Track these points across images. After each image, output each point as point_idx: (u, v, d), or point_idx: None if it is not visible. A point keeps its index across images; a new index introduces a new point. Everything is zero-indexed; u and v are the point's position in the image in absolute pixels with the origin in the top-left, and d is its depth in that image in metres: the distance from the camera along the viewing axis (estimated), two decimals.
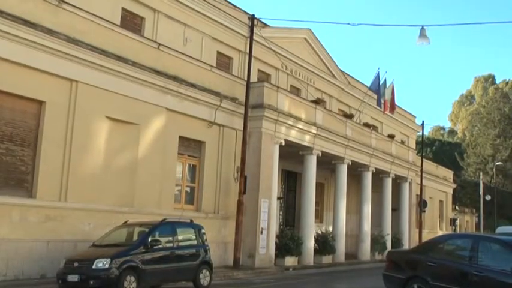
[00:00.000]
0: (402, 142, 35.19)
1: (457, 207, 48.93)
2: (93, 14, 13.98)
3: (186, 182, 17.16)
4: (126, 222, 12.84)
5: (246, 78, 18.23)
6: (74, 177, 13.15)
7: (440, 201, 40.08)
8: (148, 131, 15.28)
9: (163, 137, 15.67)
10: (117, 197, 14.25)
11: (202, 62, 18.02)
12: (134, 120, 14.85)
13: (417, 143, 42.95)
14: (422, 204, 32.95)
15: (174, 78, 15.89)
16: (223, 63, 22.19)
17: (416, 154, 34.72)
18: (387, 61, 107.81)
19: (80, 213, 13.22)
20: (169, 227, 12.40)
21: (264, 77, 23.96)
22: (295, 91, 25.89)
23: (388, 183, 28.37)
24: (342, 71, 30.05)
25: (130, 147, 14.78)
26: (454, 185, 43.20)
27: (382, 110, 28.06)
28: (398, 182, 30.12)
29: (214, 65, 20.11)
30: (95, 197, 13.62)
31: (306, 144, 20.86)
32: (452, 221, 43.47)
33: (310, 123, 20.97)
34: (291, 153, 21.31)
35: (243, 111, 17.78)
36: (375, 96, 27.48)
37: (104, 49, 13.83)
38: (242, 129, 17.61)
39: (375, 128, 31.76)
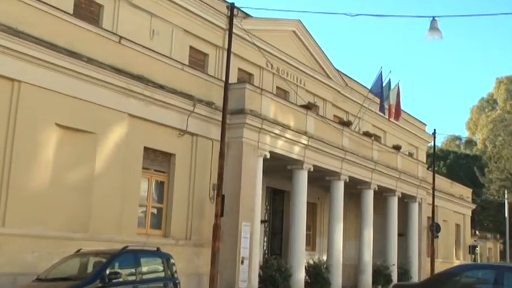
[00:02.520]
0: (410, 154, 35.57)
1: (477, 232, 48.87)
2: (39, 0, 13.98)
3: (152, 202, 17.17)
4: (78, 251, 12.77)
5: (224, 79, 18.34)
6: (14, 196, 13.07)
7: (457, 225, 40.47)
8: (107, 141, 15.29)
9: (124, 148, 15.70)
10: (68, 221, 14.20)
11: (172, 59, 18.13)
12: (90, 129, 14.87)
13: (428, 155, 43.48)
14: (434, 229, 33.20)
15: (139, 78, 15.96)
16: (197, 60, 22.28)
17: (427, 169, 35.15)
18: (391, 59, 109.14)
19: (21, 240, 13.12)
20: (131, 256, 12.36)
21: (245, 78, 24.11)
22: (282, 94, 26.04)
23: (394, 204, 28.66)
24: (338, 70, 30.37)
25: (85, 161, 14.77)
26: (473, 206, 43.56)
27: (386, 116, 28.38)
28: (405, 201, 30.44)
29: (187, 63, 20.20)
30: (41, 220, 13.54)
31: (295, 157, 21.01)
32: (472, 249, 43.62)
33: (301, 132, 21.14)
34: (278, 167, 21.37)
35: (220, 118, 17.87)
36: (377, 100, 27.79)
37: (53, 43, 13.84)
38: (219, 139, 17.68)
39: (377, 137, 32.03)
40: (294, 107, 21.56)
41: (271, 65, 25.31)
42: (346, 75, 31.67)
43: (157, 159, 17.25)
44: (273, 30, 25.61)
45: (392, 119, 29.06)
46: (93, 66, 14.70)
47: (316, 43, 28.34)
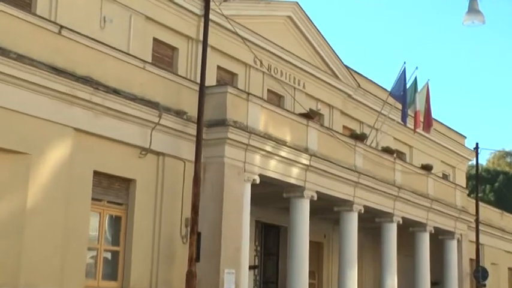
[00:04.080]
0: (445, 176, 35.69)
1: None
2: None
3: (105, 244, 17.13)
4: None
5: (198, 81, 18.40)
6: None
7: (510, 270, 40.45)
8: (44, 164, 15.25)
9: (68, 173, 15.66)
10: None
11: (130, 55, 18.19)
12: (21, 148, 14.83)
13: (469, 177, 43.62)
14: (480, 275, 33.21)
15: (86, 80, 15.97)
16: (164, 56, 22.42)
17: (469, 195, 35.21)
18: (417, 52, 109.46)
19: None
20: None
21: (227, 79, 24.30)
22: (275, 99, 26.15)
23: (424, 242, 28.73)
24: (347, 67, 30.57)
25: (15, 189, 14.71)
26: None
27: (412, 127, 28.49)
28: (440, 239, 30.57)
29: (149, 60, 20.25)
30: None
31: (293, 181, 21.07)
32: None
33: (300, 148, 21.22)
34: (271, 196, 21.44)
35: (194, 132, 17.90)
36: (400, 106, 27.89)
37: None
38: (193, 159, 17.70)
39: (401, 155, 32.17)
40: (291, 116, 21.66)
41: (261, 62, 25.39)
42: (358, 73, 31.88)
43: (112, 187, 17.21)
44: (263, 17, 25.82)
45: (420, 130, 29.20)
46: (25, 65, 14.65)
47: (320, 32, 28.56)
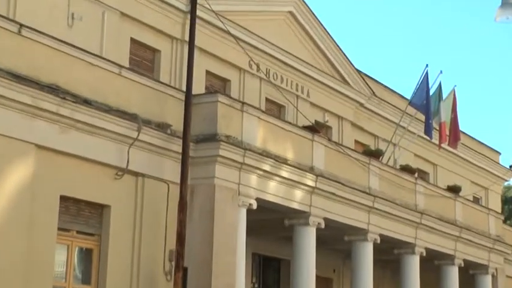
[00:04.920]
0: (476, 200, 35.59)
1: None
2: None
3: (73, 282, 17.02)
4: None
5: (184, 89, 18.41)
6: None
7: None
8: (1, 188, 15.20)
9: (29, 198, 15.60)
10: None
11: (103, 58, 18.15)
12: None
13: (505, 200, 43.50)
14: None
15: (51, 89, 15.93)
16: (143, 60, 22.50)
17: (504, 221, 35.12)
18: (441, 54, 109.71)
19: None
20: None
21: (218, 86, 24.37)
22: (275, 110, 26.18)
23: (452, 277, 28.70)
24: (359, 72, 30.61)
25: None
26: None
27: (436, 141, 28.42)
28: (471, 273, 30.53)
29: (127, 65, 20.28)
30: None
31: (296, 206, 21.08)
32: None
33: (304, 168, 21.22)
34: (270, 223, 21.49)
35: (179, 149, 17.89)
36: (422, 117, 27.85)
37: None
38: (179, 181, 17.69)
39: (423, 174, 32.09)
40: (293, 129, 21.66)
41: (258, 66, 25.37)
42: (372, 79, 31.96)
43: (82, 215, 17.14)
44: (260, 13, 25.95)
45: (446, 146, 29.17)
46: None
47: (327, 31, 28.66)
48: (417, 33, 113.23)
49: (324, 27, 28.40)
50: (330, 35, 28.66)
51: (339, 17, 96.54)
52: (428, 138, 29.35)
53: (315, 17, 28.01)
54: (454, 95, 28.65)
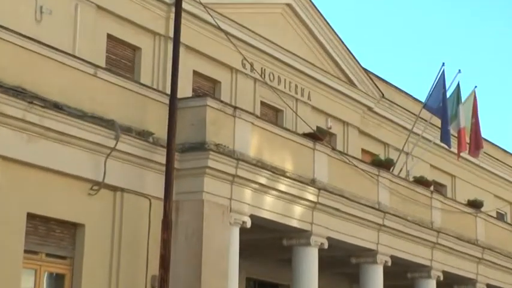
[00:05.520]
0: (500, 216, 35.55)
1: None
2: None
3: None
4: None
5: (168, 91, 18.41)
6: None
7: None
8: None
9: None
10: None
11: (76, 57, 18.09)
12: None
13: None
14: None
15: (16, 92, 15.87)
16: (122, 59, 22.51)
17: None
18: (459, 52, 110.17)
19: None
20: None
21: (206, 88, 24.32)
22: (271, 114, 26.15)
23: None
24: (367, 72, 30.63)
25: None
26: None
27: (455, 150, 28.37)
28: None
29: (103, 64, 20.25)
30: None
31: (295, 224, 21.06)
32: None
33: (305, 180, 21.22)
34: (266, 244, 21.49)
35: (163, 160, 17.87)
36: (438, 122, 27.82)
37: None
38: (162, 196, 17.65)
39: (440, 187, 32.09)
40: (292, 137, 21.65)
41: (251, 66, 25.49)
42: (382, 79, 32.00)
43: (52, 236, 17.07)
44: (254, 5, 26.01)
45: (466, 155, 29.13)
46: None
47: (330, 26, 28.75)
48: (432, 28, 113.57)
49: (326, 21, 28.44)
50: (333, 30, 28.71)
51: (343, 10, 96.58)
52: (445, 146, 29.26)
53: (317, 9, 28.03)
54: (475, 97, 28.65)
